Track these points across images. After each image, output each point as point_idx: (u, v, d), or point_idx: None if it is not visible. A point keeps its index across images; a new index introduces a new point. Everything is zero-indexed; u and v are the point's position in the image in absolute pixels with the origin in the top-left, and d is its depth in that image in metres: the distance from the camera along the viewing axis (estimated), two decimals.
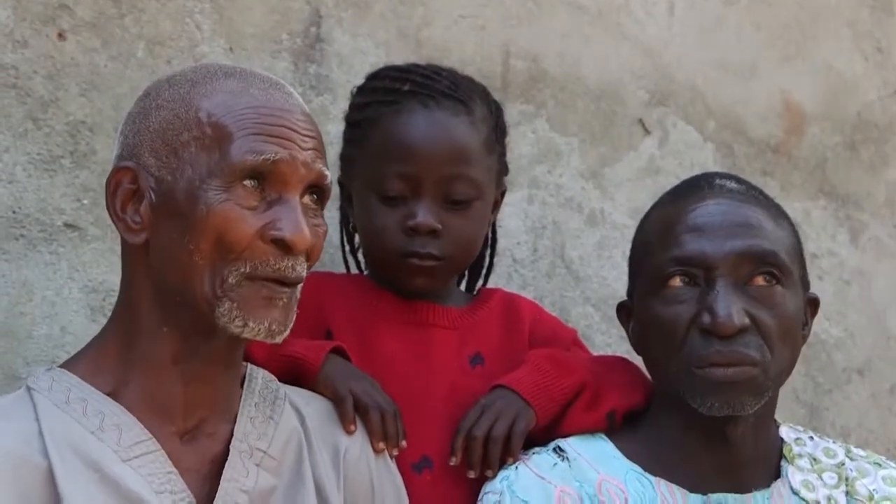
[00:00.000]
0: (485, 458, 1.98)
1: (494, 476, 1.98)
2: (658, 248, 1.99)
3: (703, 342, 1.92)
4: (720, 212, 1.97)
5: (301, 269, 1.70)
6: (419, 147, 2.04)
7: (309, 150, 1.72)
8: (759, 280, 1.94)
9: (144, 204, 1.69)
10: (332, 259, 2.27)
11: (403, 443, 1.93)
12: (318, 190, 1.74)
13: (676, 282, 1.95)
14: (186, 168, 1.68)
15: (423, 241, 2.04)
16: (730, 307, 1.90)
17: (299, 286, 1.73)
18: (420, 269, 2.05)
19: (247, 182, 1.68)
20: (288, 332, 1.72)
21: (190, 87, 1.72)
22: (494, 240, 2.24)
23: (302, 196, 1.71)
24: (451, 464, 1.98)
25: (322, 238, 1.74)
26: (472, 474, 1.98)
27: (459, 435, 1.98)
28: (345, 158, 2.14)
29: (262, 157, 1.67)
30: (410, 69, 2.15)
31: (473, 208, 2.07)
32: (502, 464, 1.98)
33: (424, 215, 2.03)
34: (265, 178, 1.68)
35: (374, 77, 2.17)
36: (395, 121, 2.06)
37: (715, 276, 1.93)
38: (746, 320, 1.91)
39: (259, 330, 1.68)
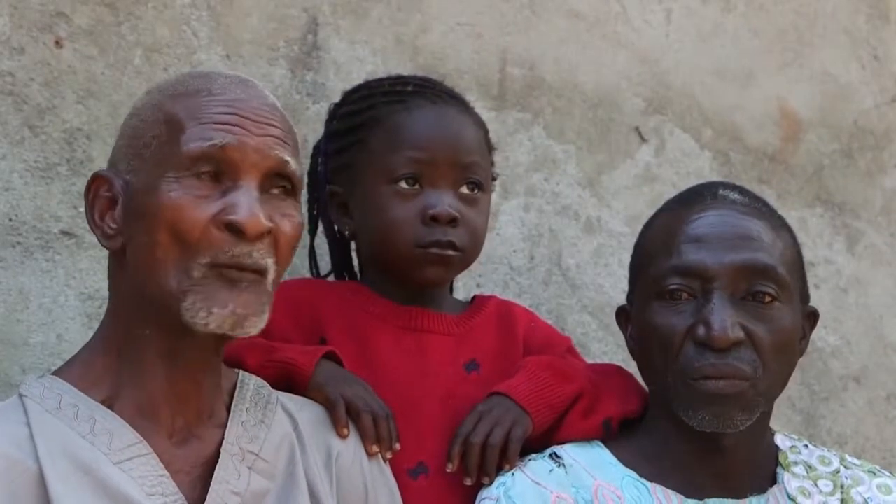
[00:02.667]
0: (482, 464, 1.98)
1: (491, 483, 1.98)
2: (658, 256, 1.99)
3: (697, 354, 1.92)
4: (721, 223, 1.97)
5: (259, 257, 1.69)
6: (434, 135, 2.07)
7: (263, 136, 1.72)
8: (757, 294, 1.94)
9: (118, 209, 1.72)
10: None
11: (397, 445, 1.93)
12: (284, 180, 1.74)
13: (672, 292, 1.95)
14: (148, 167, 1.70)
15: (444, 230, 2.04)
16: (725, 320, 1.90)
17: (270, 280, 1.71)
18: (439, 258, 2.05)
19: (200, 172, 1.69)
20: (262, 323, 1.71)
21: (159, 94, 1.75)
22: None
23: (263, 185, 1.71)
24: (448, 470, 1.98)
25: (296, 229, 1.74)
26: (468, 481, 1.98)
27: (457, 441, 1.98)
28: (339, 167, 2.13)
29: (210, 142, 1.68)
30: (404, 77, 2.20)
31: (482, 202, 2.10)
32: (499, 470, 1.98)
33: (445, 203, 2.04)
34: (219, 167, 1.69)
35: (365, 87, 2.19)
36: (405, 115, 2.08)
37: (712, 288, 1.93)
38: (741, 334, 1.91)
39: (223, 316, 1.67)
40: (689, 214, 2.00)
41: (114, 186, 1.72)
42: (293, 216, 1.74)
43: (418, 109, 2.09)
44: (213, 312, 1.67)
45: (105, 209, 1.73)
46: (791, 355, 1.99)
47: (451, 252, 2.05)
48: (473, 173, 2.08)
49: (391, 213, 2.06)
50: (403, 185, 2.06)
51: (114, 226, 1.72)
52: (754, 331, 1.92)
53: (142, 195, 1.69)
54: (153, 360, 1.73)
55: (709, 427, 1.92)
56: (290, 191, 1.75)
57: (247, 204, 1.67)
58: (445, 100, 2.12)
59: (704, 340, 1.91)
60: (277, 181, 1.73)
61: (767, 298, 1.94)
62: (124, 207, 1.71)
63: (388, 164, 2.06)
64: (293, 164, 1.74)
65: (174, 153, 1.69)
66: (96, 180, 1.74)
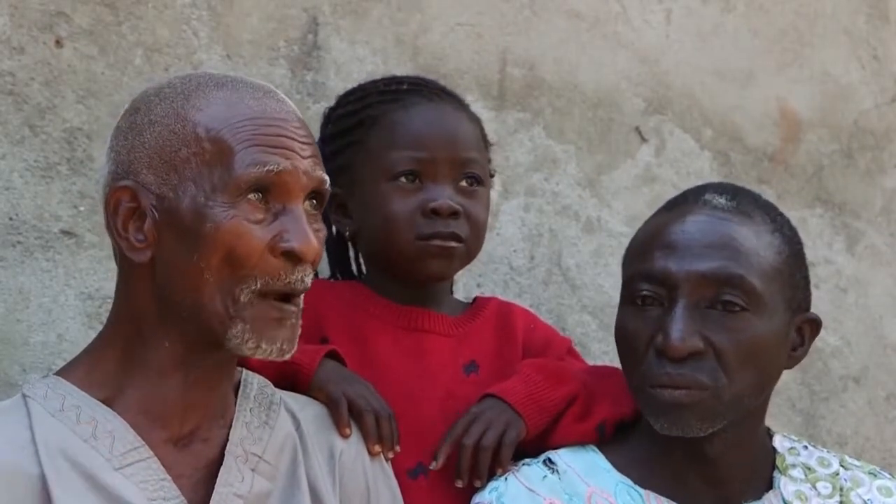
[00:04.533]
0: (474, 466, 1.98)
1: (484, 486, 1.98)
2: (633, 261, 2.00)
3: (657, 362, 1.91)
4: (696, 230, 1.94)
5: (308, 280, 1.71)
6: (432, 132, 2.07)
7: (308, 157, 1.72)
8: (723, 303, 1.91)
9: (147, 222, 1.69)
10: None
11: (397, 447, 1.94)
12: (317, 195, 1.75)
13: (643, 298, 1.94)
14: (188, 185, 1.68)
15: (445, 222, 2.04)
16: (682, 330, 1.88)
17: (302, 296, 1.74)
18: (442, 250, 2.05)
19: (251, 196, 1.68)
20: (294, 349, 1.73)
21: (183, 101, 1.71)
22: None
23: (304, 201, 1.72)
24: (431, 468, 1.97)
25: (323, 243, 1.75)
26: (459, 483, 1.98)
27: (446, 442, 1.98)
28: (337, 169, 2.13)
29: (266, 168, 1.67)
30: (399, 77, 2.21)
31: (481, 195, 2.10)
32: (492, 474, 1.98)
33: (445, 197, 2.04)
34: (269, 190, 1.69)
35: (360, 88, 2.19)
36: (402, 112, 2.09)
37: (676, 297, 1.91)
38: (700, 344, 1.89)
39: (271, 350, 1.69)
40: (668, 220, 1.99)
41: (140, 198, 1.69)
42: (321, 230, 1.75)
43: (414, 107, 2.10)
44: (261, 346, 1.69)
45: (128, 220, 1.70)
46: (763, 365, 1.95)
47: (453, 244, 2.06)
48: (472, 168, 2.09)
49: (392, 208, 2.06)
50: (403, 181, 2.06)
51: (142, 238, 1.70)
52: (717, 341, 1.89)
53: (190, 215, 1.67)
54: (169, 370, 1.72)
55: (669, 432, 1.92)
56: (319, 203, 1.76)
57: (301, 230, 1.68)
58: (441, 97, 2.13)
59: (662, 349, 1.90)
60: (311, 196, 1.74)
61: (734, 308, 1.91)
62: (160, 222, 1.69)
63: (387, 162, 2.07)
64: (328, 182, 1.75)
65: (225, 175, 1.67)
66: (118, 190, 1.70)
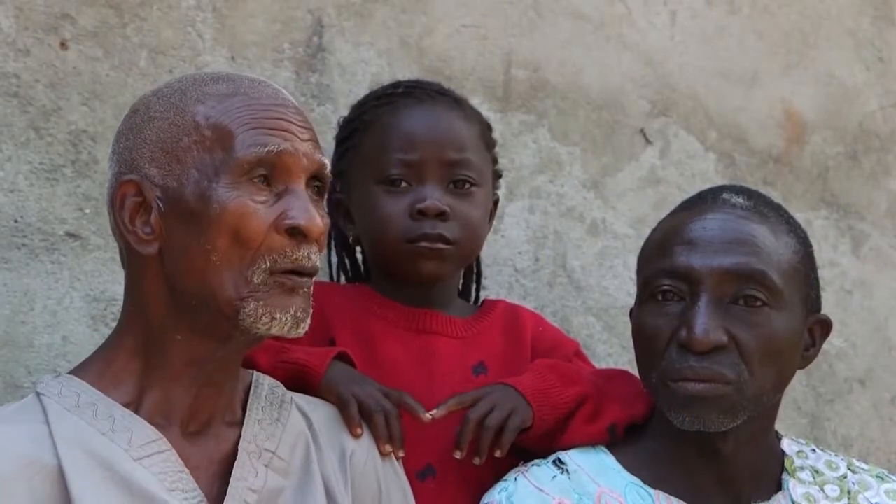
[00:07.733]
0: (474, 442, 1.97)
1: (482, 462, 1.97)
2: (653, 259, 2.00)
3: (679, 356, 1.92)
4: (716, 227, 1.96)
5: (316, 259, 1.73)
6: (420, 134, 2.08)
7: (307, 140, 1.75)
8: (745, 299, 1.92)
9: (153, 214, 1.71)
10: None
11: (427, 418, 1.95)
12: (318, 181, 1.77)
13: (663, 294, 1.95)
14: (191, 172, 1.70)
15: (433, 223, 2.05)
16: (706, 324, 1.89)
17: (313, 278, 1.75)
18: (431, 252, 2.06)
19: (254, 177, 1.70)
20: (308, 323, 1.73)
21: (181, 96, 1.74)
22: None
23: (306, 187, 1.74)
24: (431, 415, 1.96)
25: (328, 226, 1.77)
26: (457, 455, 1.97)
27: (452, 401, 1.98)
28: (339, 174, 2.14)
29: (267, 148, 1.70)
30: (400, 81, 2.21)
31: (476, 195, 2.10)
32: (490, 456, 1.97)
33: (432, 198, 2.05)
34: (270, 172, 1.71)
35: (365, 95, 2.21)
36: (393, 115, 2.11)
37: (699, 291, 1.92)
38: (724, 338, 1.90)
39: (286, 320, 1.70)
40: (687, 218, 2.00)
41: (145, 191, 1.71)
42: (325, 215, 1.77)
43: (405, 109, 2.11)
44: (276, 318, 1.70)
45: (135, 214, 1.73)
46: (783, 361, 1.96)
47: (441, 245, 2.06)
48: (463, 168, 2.09)
49: (382, 210, 2.07)
50: (393, 183, 2.08)
51: (149, 230, 1.72)
52: (739, 335, 1.91)
53: (194, 200, 1.69)
54: (180, 365, 1.74)
55: (690, 427, 1.92)
56: (321, 190, 1.78)
57: (305, 208, 1.71)
58: (434, 97, 2.14)
59: (685, 343, 1.91)
60: (313, 182, 1.76)
61: (756, 303, 1.92)
62: (166, 212, 1.70)
63: (378, 165, 2.09)
64: (329, 167, 1.78)
65: (227, 158, 1.70)
66: (123, 185, 1.73)
